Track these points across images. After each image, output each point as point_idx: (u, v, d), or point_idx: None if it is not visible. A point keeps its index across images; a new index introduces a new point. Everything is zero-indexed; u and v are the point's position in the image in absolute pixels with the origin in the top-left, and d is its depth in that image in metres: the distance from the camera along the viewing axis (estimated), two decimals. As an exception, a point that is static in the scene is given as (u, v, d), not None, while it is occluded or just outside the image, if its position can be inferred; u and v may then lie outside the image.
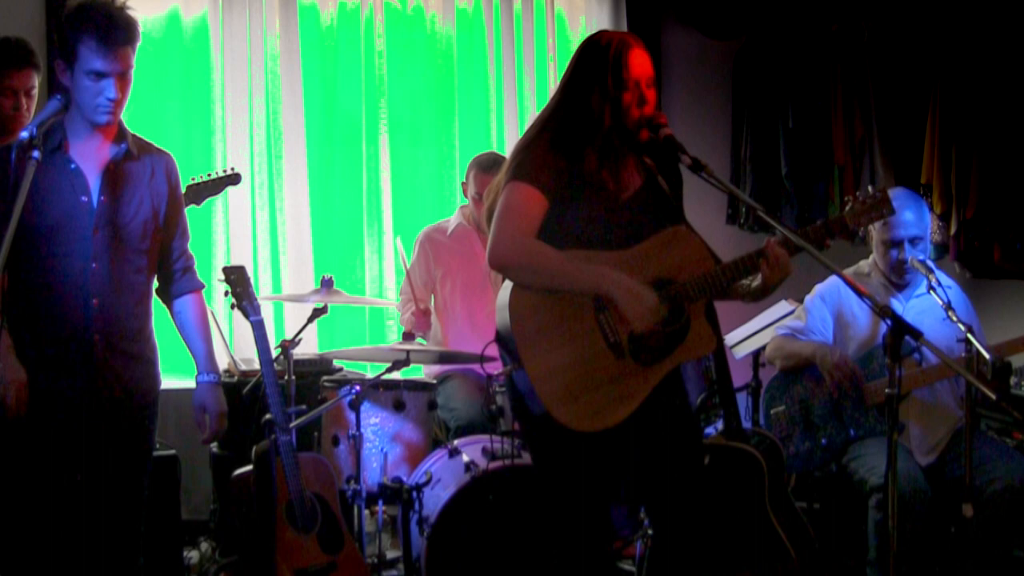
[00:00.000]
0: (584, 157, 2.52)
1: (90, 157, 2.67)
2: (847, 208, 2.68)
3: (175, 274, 2.90)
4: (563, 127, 2.55)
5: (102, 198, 2.67)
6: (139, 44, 2.63)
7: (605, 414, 2.45)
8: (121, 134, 2.72)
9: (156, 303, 2.90)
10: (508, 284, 2.49)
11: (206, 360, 2.90)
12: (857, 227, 2.66)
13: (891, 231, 3.43)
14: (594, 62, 2.53)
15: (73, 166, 2.64)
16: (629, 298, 2.42)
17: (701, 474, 2.70)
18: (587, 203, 2.52)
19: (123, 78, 2.60)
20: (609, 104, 2.50)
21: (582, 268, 2.45)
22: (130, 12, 2.61)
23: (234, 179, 3.97)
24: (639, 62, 2.51)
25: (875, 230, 3.50)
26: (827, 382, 3.45)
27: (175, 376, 3.78)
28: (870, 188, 2.72)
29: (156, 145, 2.86)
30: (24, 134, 2.45)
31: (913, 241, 3.45)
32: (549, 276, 2.45)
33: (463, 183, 4.16)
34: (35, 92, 3.37)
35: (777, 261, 2.52)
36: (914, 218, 3.45)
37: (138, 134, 2.80)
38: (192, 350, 2.92)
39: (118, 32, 2.54)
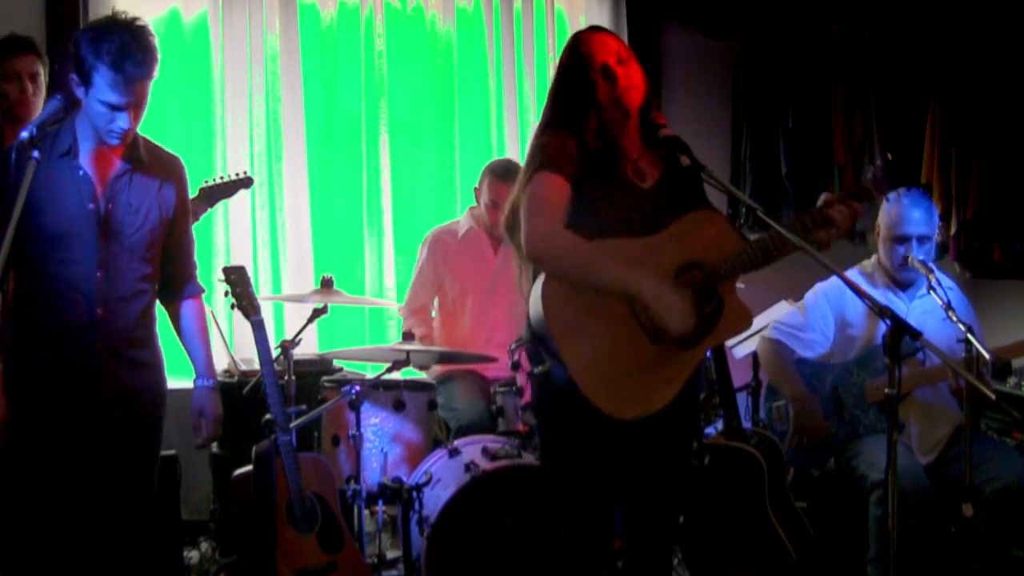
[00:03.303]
0: (586, 140, 2.55)
1: (100, 164, 2.66)
2: (868, 175, 2.66)
3: (177, 279, 2.90)
4: (562, 118, 2.60)
5: (109, 206, 2.66)
6: (156, 73, 2.58)
7: (647, 400, 2.46)
8: (133, 145, 2.70)
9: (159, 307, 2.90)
10: (539, 279, 2.49)
11: (205, 365, 2.91)
12: (880, 192, 2.64)
13: (900, 227, 3.44)
14: (565, 59, 2.63)
15: (81, 172, 2.63)
16: (661, 307, 2.41)
17: (691, 468, 2.72)
18: (608, 194, 2.54)
19: (137, 107, 2.59)
20: (589, 89, 2.56)
21: (616, 268, 2.44)
22: (150, 38, 2.56)
23: (246, 182, 4.02)
24: (600, 45, 2.59)
25: (883, 226, 3.50)
26: (793, 433, 3.46)
27: (176, 377, 3.77)
28: (889, 155, 2.68)
29: (167, 150, 2.84)
30: (24, 134, 2.46)
31: (921, 240, 3.45)
32: (583, 271, 2.45)
33: (476, 189, 4.14)
34: (41, 80, 3.39)
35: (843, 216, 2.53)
36: (923, 217, 3.46)
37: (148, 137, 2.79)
38: (191, 355, 2.92)
39: (134, 68, 2.51)
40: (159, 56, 2.59)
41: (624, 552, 2.70)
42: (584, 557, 2.60)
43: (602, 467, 2.56)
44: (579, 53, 2.59)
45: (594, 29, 2.69)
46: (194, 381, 2.91)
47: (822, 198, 2.60)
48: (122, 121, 2.57)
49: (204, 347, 2.92)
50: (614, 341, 2.44)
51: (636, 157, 2.63)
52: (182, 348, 2.97)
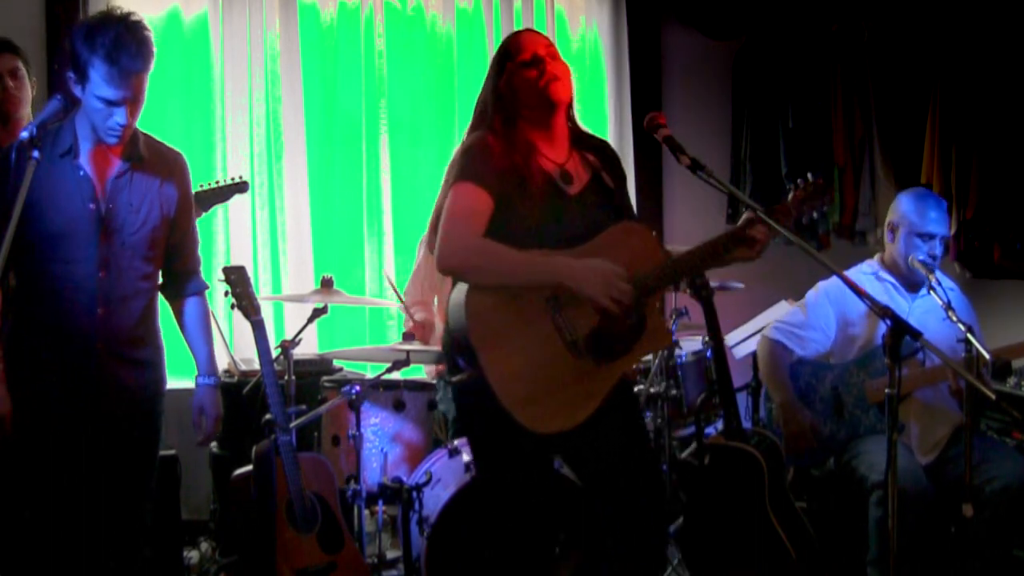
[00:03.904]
0: (511, 140, 2.55)
1: (99, 163, 2.66)
2: (789, 196, 2.70)
3: (181, 275, 2.90)
4: (485, 117, 2.63)
5: (110, 206, 2.66)
6: (152, 67, 2.58)
7: (568, 414, 2.44)
8: (133, 142, 2.70)
9: (162, 303, 2.90)
10: (462, 285, 2.46)
11: (207, 363, 2.91)
12: (799, 215, 2.69)
13: (927, 224, 3.46)
14: (494, 59, 2.68)
15: (82, 172, 2.63)
16: (586, 277, 2.40)
17: (654, 471, 2.71)
18: (535, 200, 2.51)
19: (134, 102, 2.58)
20: (513, 81, 2.60)
21: (536, 260, 2.43)
22: (145, 32, 2.55)
23: (242, 187, 4.00)
24: (525, 41, 2.63)
25: (906, 223, 3.50)
26: (784, 437, 3.48)
27: (175, 376, 3.78)
28: (809, 176, 2.74)
29: (168, 145, 2.83)
30: (24, 134, 2.46)
31: (943, 240, 3.49)
32: (503, 273, 2.42)
33: None
34: (21, 74, 3.39)
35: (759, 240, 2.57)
36: (940, 216, 3.49)
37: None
38: (194, 352, 2.92)
39: (129, 60, 2.50)
40: (155, 49, 2.58)
41: (618, 553, 2.70)
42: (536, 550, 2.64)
43: (530, 473, 2.59)
44: (507, 50, 2.62)
45: (524, 29, 2.73)
46: (196, 379, 2.91)
47: (744, 217, 2.61)
48: (119, 117, 2.56)
49: (208, 345, 2.92)
50: (535, 354, 2.42)
51: (564, 160, 2.60)
52: (181, 347, 2.97)
